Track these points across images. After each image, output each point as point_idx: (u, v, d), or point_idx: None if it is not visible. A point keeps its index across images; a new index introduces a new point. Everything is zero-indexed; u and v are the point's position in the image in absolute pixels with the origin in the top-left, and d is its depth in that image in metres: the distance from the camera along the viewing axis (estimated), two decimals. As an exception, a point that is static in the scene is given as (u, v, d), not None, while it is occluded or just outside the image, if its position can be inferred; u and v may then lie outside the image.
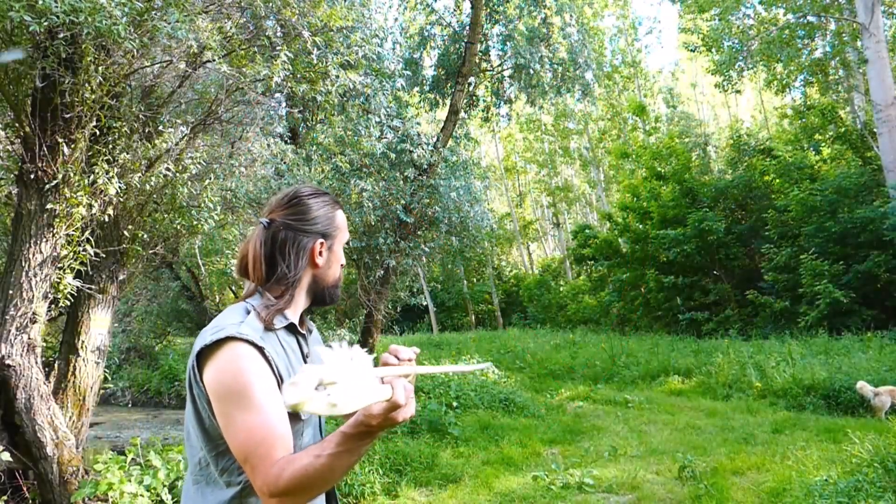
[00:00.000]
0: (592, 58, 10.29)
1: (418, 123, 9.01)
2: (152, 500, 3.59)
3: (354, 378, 0.81)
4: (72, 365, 4.21)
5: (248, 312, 1.21)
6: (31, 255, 3.53)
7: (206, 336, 1.14)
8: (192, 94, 4.58)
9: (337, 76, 4.42)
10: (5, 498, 3.81)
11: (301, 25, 4.19)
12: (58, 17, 2.90)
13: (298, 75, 4.31)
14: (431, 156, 8.08)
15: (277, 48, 4.22)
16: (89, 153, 3.79)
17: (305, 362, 1.30)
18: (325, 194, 1.33)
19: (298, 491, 1.00)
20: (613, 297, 17.04)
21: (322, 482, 1.00)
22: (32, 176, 3.51)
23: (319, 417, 1.32)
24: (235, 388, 1.06)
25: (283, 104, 6.83)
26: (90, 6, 2.94)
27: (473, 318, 24.85)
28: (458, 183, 8.31)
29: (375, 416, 0.93)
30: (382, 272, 8.52)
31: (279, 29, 4.59)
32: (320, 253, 1.28)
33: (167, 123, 4.29)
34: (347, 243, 1.39)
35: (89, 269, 4.07)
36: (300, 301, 1.30)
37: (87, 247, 3.88)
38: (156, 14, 3.31)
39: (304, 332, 1.33)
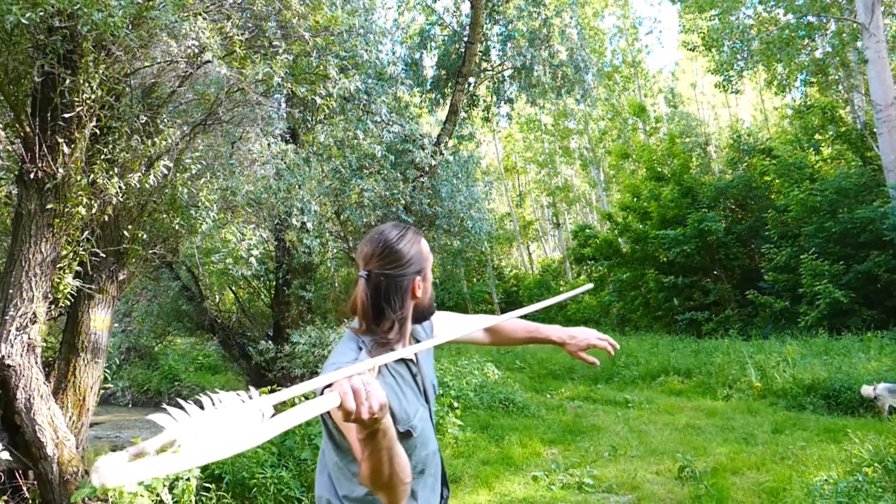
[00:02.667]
0: (592, 61, 10.28)
1: (417, 124, 9.01)
2: (152, 501, 3.59)
3: (213, 424, 0.76)
4: (72, 365, 4.21)
5: (361, 349, 1.35)
6: (31, 255, 3.53)
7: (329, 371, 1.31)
8: (192, 95, 4.57)
9: (338, 80, 4.42)
10: (5, 498, 3.81)
11: (301, 27, 4.19)
12: (53, 6, 2.89)
13: (299, 76, 4.31)
14: (433, 157, 8.08)
15: (277, 48, 4.22)
16: (89, 153, 3.78)
17: (416, 383, 1.46)
18: (408, 230, 1.44)
19: (373, 487, 1.17)
20: (613, 297, 17.03)
21: (377, 479, 1.13)
22: (32, 176, 3.51)
23: (433, 426, 1.50)
24: (336, 412, 1.18)
25: (283, 104, 6.83)
26: (87, -1, 2.94)
27: (473, 317, 24.80)
28: (461, 185, 8.31)
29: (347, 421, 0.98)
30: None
31: (279, 31, 4.58)
32: (418, 286, 1.41)
33: (167, 123, 4.29)
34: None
35: (89, 269, 4.07)
36: (407, 330, 1.43)
37: (87, 247, 3.89)
38: (156, 13, 3.31)
39: (412, 357, 1.47)
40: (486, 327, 1.76)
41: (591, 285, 2.05)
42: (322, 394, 0.98)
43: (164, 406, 0.77)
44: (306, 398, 1.15)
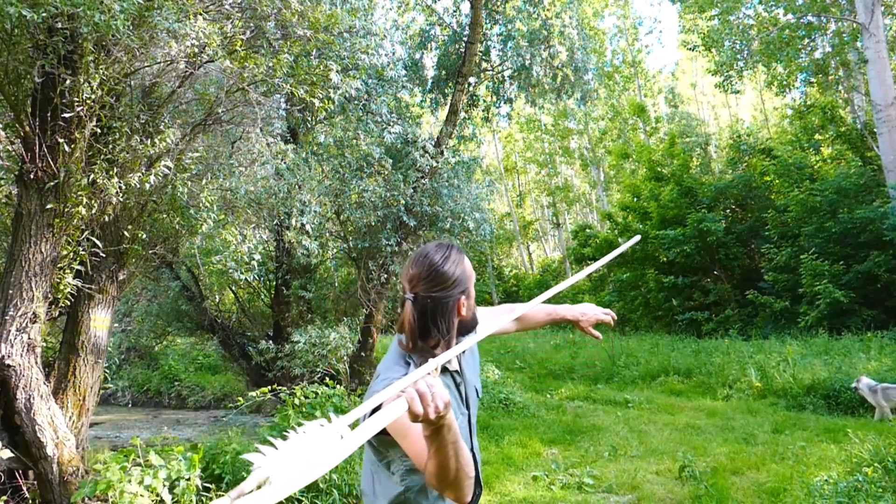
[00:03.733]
0: (592, 61, 10.27)
1: (418, 124, 9.01)
2: (152, 501, 3.59)
3: (299, 452, 0.85)
4: (72, 365, 4.21)
5: (409, 365, 1.43)
6: (31, 255, 3.53)
7: (378, 387, 1.38)
8: (192, 95, 4.58)
9: (340, 83, 4.42)
10: (5, 498, 3.81)
11: (301, 26, 4.19)
12: (56, 7, 2.90)
13: (299, 77, 4.31)
14: (434, 159, 8.09)
15: (277, 48, 4.22)
16: (89, 153, 3.79)
17: (459, 392, 1.55)
18: (451, 250, 1.48)
19: (437, 485, 1.22)
20: (613, 297, 17.03)
21: (444, 475, 1.19)
22: (32, 176, 3.51)
23: (470, 432, 1.58)
24: (401, 427, 1.28)
25: (283, 104, 6.84)
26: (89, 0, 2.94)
27: (473, 318, 24.78)
28: (462, 186, 8.31)
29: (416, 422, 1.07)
30: (385, 276, 8.53)
31: (279, 31, 4.59)
32: (463, 305, 1.46)
33: (167, 123, 4.29)
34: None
35: (89, 269, 4.07)
36: (453, 346, 1.48)
37: (87, 246, 3.88)
38: (157, 13, 3.31)
39: (455, 369, 1.55)
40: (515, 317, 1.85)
41: (638, 237, 2.28)
42: (372, 414, 1.04)
43: (256, 445, 0.85)
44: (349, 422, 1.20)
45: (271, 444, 0.84)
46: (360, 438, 0.92)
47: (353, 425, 0.95)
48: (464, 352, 1.58)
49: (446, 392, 1.06)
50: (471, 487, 1.26)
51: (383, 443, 1.40)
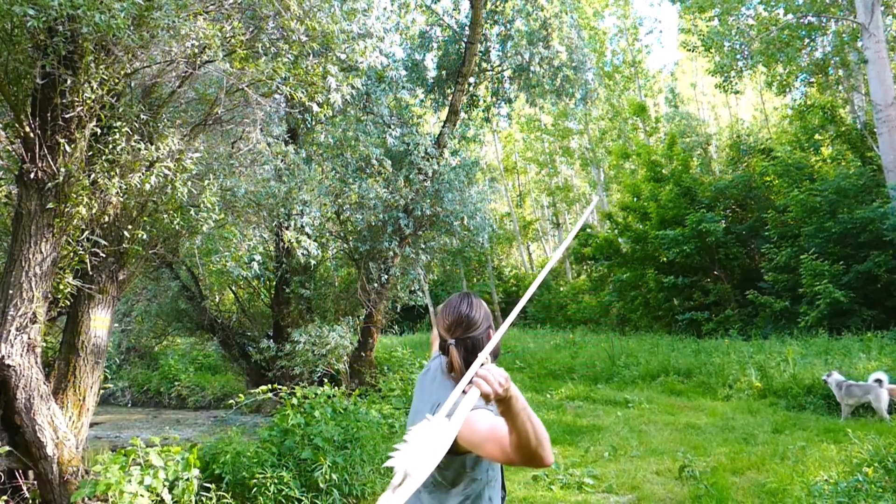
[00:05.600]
0: (593, 60, 10.27)
1: (418, 125, 9.01)
2: (152, 501, 3.59)
3: (418, 454, 1.13)
4: (72, 365, 4.21)
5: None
6: (31, 255, 3.53)
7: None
8: (193, 94, 4.58)
9: (339, 86, 4.42)
10: (5, 498, 3.81)
11: (300, 31, 4.19)
12: (56, 10, 2.90)
13: (300, 78, 4.31)
14: (436, 162, 8.09)
15: (277, 51, 4.22)
16: (90, 153, 3.79)
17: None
18: (470, 296, 1.83)
19: (523, 455, 1.41)
20: (613, 297, 17.02)
21: (526, 440, 1.38)
22: (32, 176, 3.51)
23: None
24: (476, 438, 1.52)
25: (283, 105, 6.84)
26: (90, 1, 2.94)
27: (473, 318, 24.75)
28: (463, 188, 8.32)
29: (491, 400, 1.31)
30: (385, 276, 8.53)
31: (278, 31, 4.59)
32: (492, 336, 1.77)
33: (167, 123, 4.29)
34: None
35: (89, 269, 4.07)
36: None
37: (87, 246, 3.89)
38: (157, 13, 3.31)
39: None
40: None
41: (597, 199, 2.42)
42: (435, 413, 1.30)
43: (389, 454, 1.15)
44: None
45: (397, 450, 1.13)
46: (458, 423, 1.22)
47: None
48: None
49: (501, 369, 1.31)
50: (550, 448, 1.45)
51: (450, 461, 1.61)
